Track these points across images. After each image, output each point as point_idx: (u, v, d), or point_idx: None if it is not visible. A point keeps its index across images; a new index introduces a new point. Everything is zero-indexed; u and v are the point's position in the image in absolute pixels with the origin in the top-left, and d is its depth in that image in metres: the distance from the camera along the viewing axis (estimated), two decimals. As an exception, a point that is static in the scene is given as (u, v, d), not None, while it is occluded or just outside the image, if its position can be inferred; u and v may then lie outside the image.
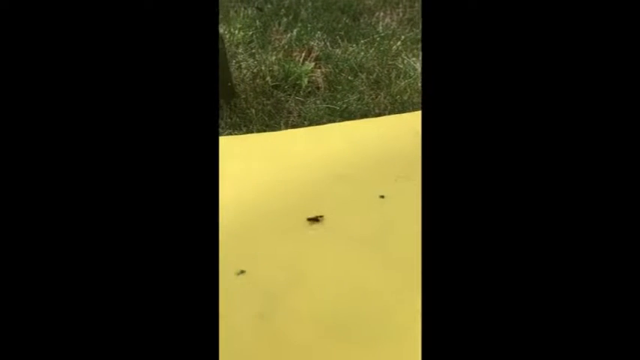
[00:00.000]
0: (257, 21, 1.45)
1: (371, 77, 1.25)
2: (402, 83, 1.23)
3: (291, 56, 1.34)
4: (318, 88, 1.26)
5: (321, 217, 0.76)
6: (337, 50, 1.36)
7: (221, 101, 1.15)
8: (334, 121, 1.13)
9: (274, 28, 1.45)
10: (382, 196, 0.83)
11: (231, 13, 1.50)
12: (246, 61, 1.32)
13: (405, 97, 1.18)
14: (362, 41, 1.38)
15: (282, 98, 1.21)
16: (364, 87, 1.23)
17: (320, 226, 0.75)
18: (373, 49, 1.34)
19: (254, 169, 0.95)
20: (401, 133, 0.92)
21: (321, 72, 1.30)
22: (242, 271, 0.73)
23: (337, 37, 1.41)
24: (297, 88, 1.24)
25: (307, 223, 0.78)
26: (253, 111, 1.15)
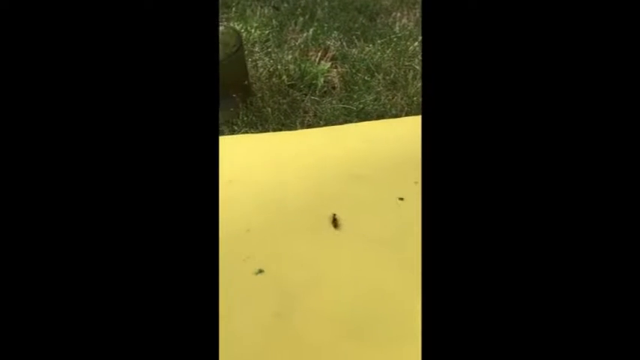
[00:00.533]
0: (273, 20, 1.45)
1: (388, 78, 1.25)
2: (419, 84, 1.22)
3: (307, 56, 1.34)
4: (334, 87, 1.25)
5: (339, 217, 0.75)
6: (354, 50, 1.35)
7: (237, 99, 1.15)
8: (350, 122, 1.13)
9: (290, 28, 1.45)
10: (401, 199, 0.83)
11: (248, 11, 1.50)
12: (263, 60, 1.32)
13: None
14: (379, 41, 1.37)
15: (298, 97, 1.21)
16: (381, 87, 1.22)
17: (338, 227, 0.75)
18: (390, 49, 1.34)
19: (270, 168, 0.94)
20: (419, 134, 0.91)
21: (337, 72, 1.29)
22: (260, 271, 0.73)
23: (354, 37, 1.40)
24: (313, 87, 1.23)
25: (325, 223, 0.78)
26: (269, 110, 1.15)
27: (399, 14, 1.50)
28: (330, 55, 1.34)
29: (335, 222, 0.71)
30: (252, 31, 1.41)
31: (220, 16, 1.48)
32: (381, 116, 1.14)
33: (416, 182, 0.82)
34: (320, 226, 0.77)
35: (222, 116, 1.17)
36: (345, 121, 1.13)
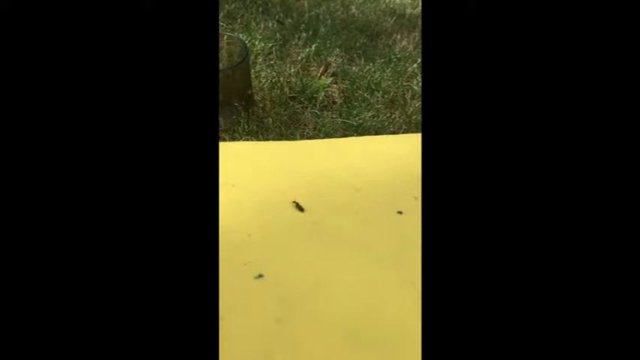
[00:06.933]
0: (277, 34, 1.48)
1: (386, 96, 1.28)
2: (417, 104, 1.25)
3: (308, 70, 1.37)
4: (334, 102, 1.28)
5: (302, 204, 0.77)
6: (354, 68, 1.39)
7: (239, 108, 1.17)
8: (349, 136, 1.15)
9: (293, 42, 1.48)
10: (400, 212, 0.84)
11: (252, 24, 1.53)
12: (265, 71, 1.34)
13: (420, 118, 1.20)
14: (379, 61, 1.41)
15: (299, 110, 1.23)
16: (380, 105, 1.25)
17: (337, 237, 0.76)
18: (389, 69, 1.37)
19: (272, 175, 0.96)
20: (419, 152, 0.94)
21: (338, 87, 1.32)
22: (260, 275, 0.73)
23: (355, 55, 1.44)
24: (313, 101, 1.26)
25: (324, 230, 0.79)
26: (270, 120, 1.17)
27: (398, 36, 1.54)
28: (331, 70, 1.37)
29: (299, 207, 0.74)
30: (256, 42, 1.43)
31: (225, 26, 1.50)
32: (379, 132, 1.17)
33: (415, 198, 0.84)
34: (318, 234, 0.78)
35: (224, 123, 1.19)
36: (344, 135, 1.16)
